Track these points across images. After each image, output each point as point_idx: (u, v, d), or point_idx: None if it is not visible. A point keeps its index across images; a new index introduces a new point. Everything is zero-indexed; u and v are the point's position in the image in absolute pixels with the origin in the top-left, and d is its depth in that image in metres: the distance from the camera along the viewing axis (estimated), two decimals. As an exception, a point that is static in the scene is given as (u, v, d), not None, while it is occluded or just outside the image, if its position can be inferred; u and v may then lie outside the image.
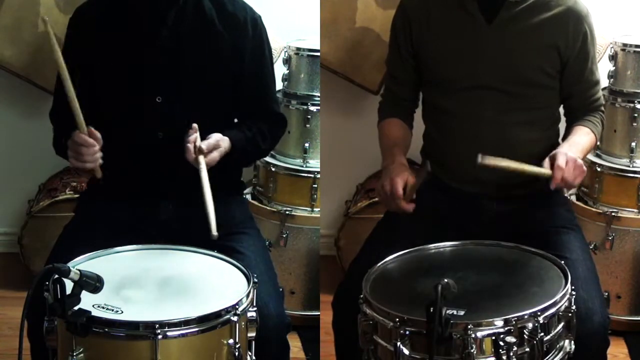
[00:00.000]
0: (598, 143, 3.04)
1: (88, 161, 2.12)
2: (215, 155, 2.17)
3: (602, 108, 2.35)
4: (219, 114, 2.33)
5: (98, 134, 2.12)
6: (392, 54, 2.40)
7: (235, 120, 2.39)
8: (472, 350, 1.69)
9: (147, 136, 2.25)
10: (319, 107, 3.15)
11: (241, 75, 2.31)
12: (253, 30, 2.31)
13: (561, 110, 2.37)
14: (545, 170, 2.07)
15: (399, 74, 2.40)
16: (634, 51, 3.06)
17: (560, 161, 2.05)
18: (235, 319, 1.79)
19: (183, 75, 2.25)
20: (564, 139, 2.31)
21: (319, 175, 3.12)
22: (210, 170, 2.19)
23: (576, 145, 2.19)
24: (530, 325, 1.73)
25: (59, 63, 2.04)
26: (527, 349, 1.73)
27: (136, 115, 2.26)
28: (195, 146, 2.13)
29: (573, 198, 3.15)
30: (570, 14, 2.23)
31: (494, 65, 2.23)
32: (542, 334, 1.74)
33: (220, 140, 2.19)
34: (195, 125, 2.15)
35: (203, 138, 2.18)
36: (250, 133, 2.31)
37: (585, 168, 2.09)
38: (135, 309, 1.78)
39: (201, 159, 2.12)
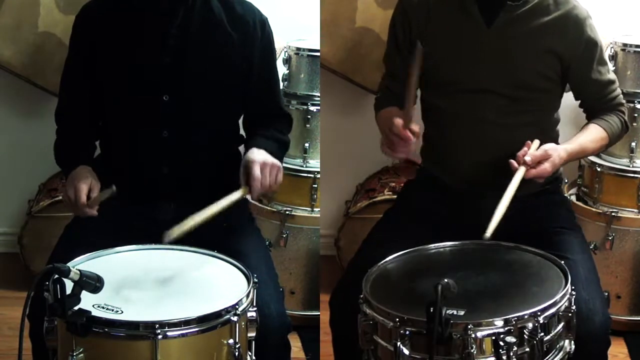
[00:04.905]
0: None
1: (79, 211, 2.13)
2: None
3: (621, 107, 2.32)
4: (226, 114, 2.34)
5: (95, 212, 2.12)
6: (390, 50, 2.39)
7: (241, 122, 2.39)
8: (472, 350, 1.69)
9: (152, 134, 2.25)
10: (319, 107, 3.15)
11: (249, 76, 2.31)
12: (262, 33, 2.31)
13: (561, 111, 2.36)
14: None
15: (397, 71, 2.38)
16: (634, 51, 3.06)
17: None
18: (235, 319, 1.79)
19: (190, 75, 2.25)
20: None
21: (319, 175, 3.12)
22: (210, 171, 2.25)
23: (575, 144, 2.20)
24: (530, 325, 1.73)
25: None
26: (527, 349, 1.73)
27: (142, 113, 2.25)
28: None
29: (573, 198, 3.15)
30: (570, 17, 2.22)
31: (493, 68, 2.22)
32: (542, 334, 1.74)
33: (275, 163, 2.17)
34: None
35: (209, 135, 2.23)
36: (269, 132, 2.32)
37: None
38: (135, 309, 1.78)
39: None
